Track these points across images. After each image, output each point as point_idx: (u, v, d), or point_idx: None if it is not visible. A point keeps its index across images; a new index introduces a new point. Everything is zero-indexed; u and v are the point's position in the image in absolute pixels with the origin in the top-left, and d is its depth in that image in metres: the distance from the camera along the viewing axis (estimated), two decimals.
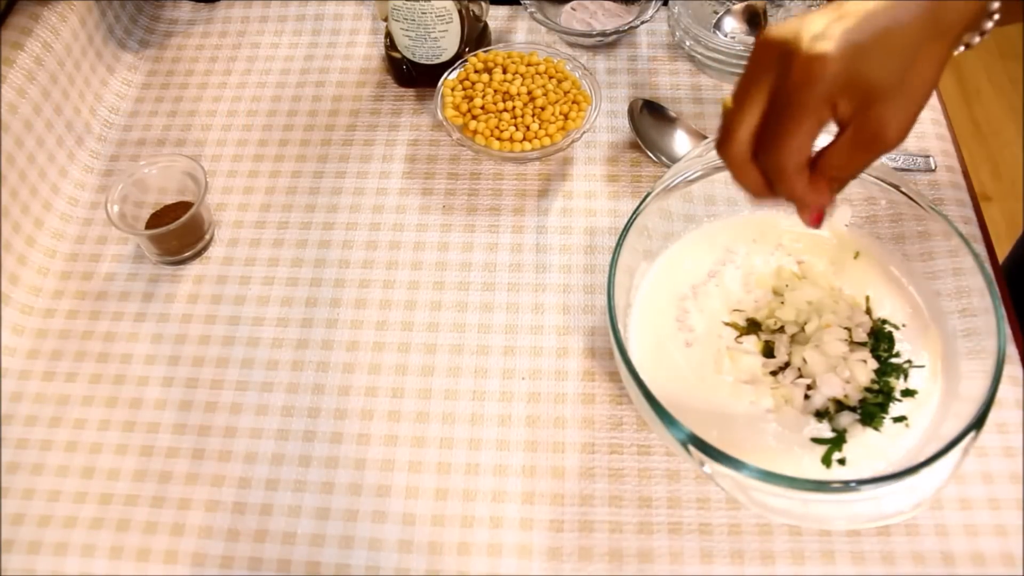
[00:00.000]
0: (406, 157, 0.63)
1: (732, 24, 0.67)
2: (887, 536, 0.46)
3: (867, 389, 0.47)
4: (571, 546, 0.47)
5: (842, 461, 0.45)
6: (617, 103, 0.65)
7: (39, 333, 0.56)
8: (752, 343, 0.50)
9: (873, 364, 0.47)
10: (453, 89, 0.60)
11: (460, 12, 0.61)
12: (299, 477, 0.50)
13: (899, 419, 0.46)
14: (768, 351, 0.49)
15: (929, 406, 0.47)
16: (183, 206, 0.58)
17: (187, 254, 0.58)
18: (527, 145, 0.58)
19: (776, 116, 0.36)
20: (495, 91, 0.60)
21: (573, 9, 0.70)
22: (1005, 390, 0.50)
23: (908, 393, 0.47)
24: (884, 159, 0.52)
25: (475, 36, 0.65)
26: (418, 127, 0.65)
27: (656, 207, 0.52)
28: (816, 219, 0.40)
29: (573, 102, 0.60)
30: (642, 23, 0.67)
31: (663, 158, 0.61)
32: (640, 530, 0.47)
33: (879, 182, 0.51)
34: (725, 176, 0.53)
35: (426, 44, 0.63)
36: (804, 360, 0.47)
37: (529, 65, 0.61)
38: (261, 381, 0.53)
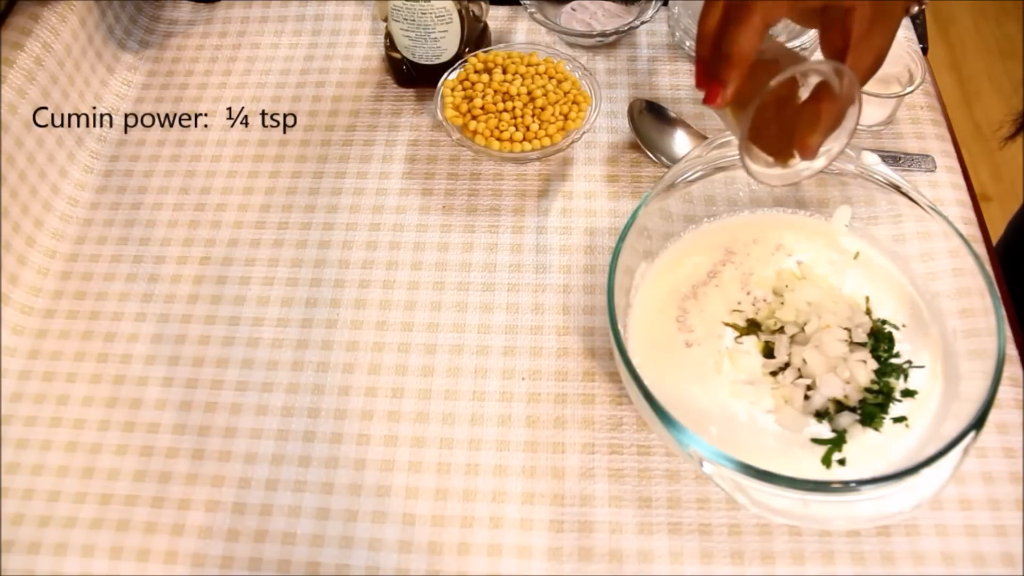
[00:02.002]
0: (406, 157, 0.63)
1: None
2: (887, 536, 0.46)
3: (867, 389, 0.47)
4: (571, 546, 0.47)
5: (842, 461, 0.45)
6: (617, 103, 0.65)
7: (39, 333, 0.56)
8: (752, 343, 0.50)
9: (873, 364, 0.47)
10: (453, 89, 0.60)
11: (460, 12, 0.61)
12: (299, 477, 0.50)
13: (899, 419, 0.46)
14: (768, 351, 0.49)
15: (929, 406, 0.47)
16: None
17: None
18: (527, 145, 0.58)
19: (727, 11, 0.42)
20: (495, 91, 0.60)
21: (573, 9, 0.70)
22: (1005, 391, 0.50)
23: (908, 393, 0.47)
24: (884, 160, 0.52)
25: (475, 36, 0.65)
26: (418, 127, 0.65)
27: (656, 207, 0.52)
28: (713, 97, 0.43)
29: (573, 102, 0.60)
30: (642, 23, 0.67)
31: (663, 158, 0.61)
32: (640, 530, 0.47)
33: (879, 182, 0.51)
34: (725, 176, 0.54)
35: (426, 44, 0.63)
36: (804, 360, 0.47)
37: (529, 65, 0.61)
38: (261, 381, 0.53)
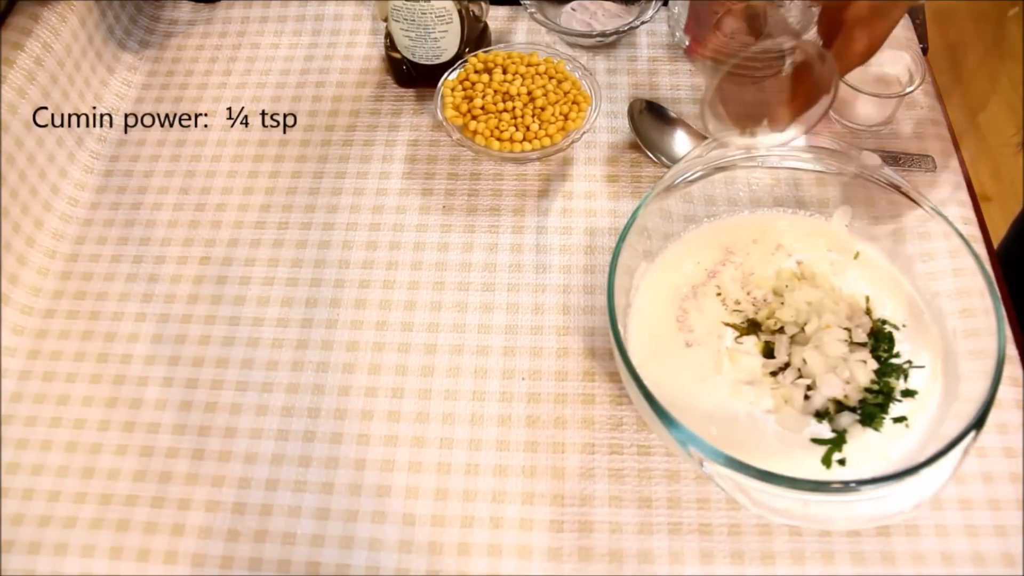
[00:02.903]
0: (406, 157, 0.63)
1: (732, 25, 0.67)
2: (887, 536, 0.46)
3: (867, 389, 0.47)
4: (571, 546, 0.47)
5: (842, 462, 0.45)
6: (617, 103, 0.65)
7: (39, 333, 0.56)
8: (752, 343, 0.50)
9: (873, 364, 0.47)
10: (453, 89, 0.60)
11: (460, 12, 0.61)
12: (299, 477, 0.50)
13: (899, 419, 0.46)
14: (768, 352, 0.49)
15: (929, 406, 0.47)
16: None
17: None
18: (527, 145, 0.58)
19: None
20: (495, 91, 0.60)
21: (573, 10, 0.70)
22: (1005, 391, 0.50)
23: (908, 393, 0.47)
24: (884, 160, 0.52)
25: (475, 36, 0.65)
26: (418, 127, 0.65)
27: (656, 207, 0.52)
28: (693, 47, 0.43)
29: (573, 102, 0.60)
30: (642, 23, 0.67)
31: (663, 158, 0.61)
32: (640, 530, 0.47)
33: (879, 182, 0.51)
34: (725, 176, 0.54)
35: (426, 44, 0.63)
36: (804, 361, 0.47)
37: (529, 65, 0.61)
38: (261, 381, 0.53)
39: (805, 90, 0.42)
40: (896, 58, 0.62)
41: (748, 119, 0.45)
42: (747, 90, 0.44)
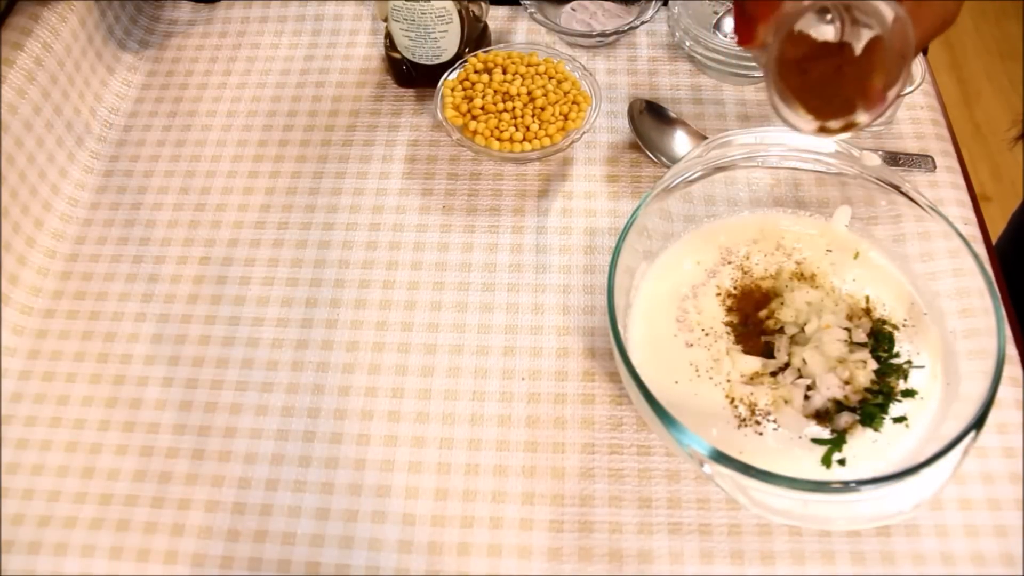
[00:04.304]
0: (406, 157, 0.63)
1: (732, 24, 0.67)
2: (887, 536, 0.46)
3: (867, 390, 0.47)
4: (571, 547, 0.47)
5: (842, 462, 0.45)
6: (617, 103, 0.65)
7: (39, 333, 0.56)
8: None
9: (873, 365, 0.47)
10: (453, 89, 0.60)
11: (460, 12, 0.61)
12: (299, 477, 0.50)
13: (899, 420, 0.46)
14: (768, 352, 0.49)
15: (929, 407, 0.47)
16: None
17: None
18: (527, 145, 0.58)
19: None
20: (495, 91, 0.60)
21: (573, 10, 0.70)
22: (1005, 391, 0.50)
23: (908, 394, 0.47)
24: (884, 160, 0.52)
25: (475, 36, 0.65)
26: (418, 127, 0.65)
27: (656, 207, 0.52)
28: (746, 35, 0.40)
29: (573, 102, 0.60)
30: (642, 23, 0.67)
31: (663, 158, 0.61)
32: (640, 530, 0.47)
33: (879, 182, 0.51)
34: (725, 176, 0.54)
35: (426, 44, 0.63)
36: (804, 361, 0.47)
37: (529, 65, 0.61)
38: (261, 381, 0.53)
39: (875, 66, 0.37)
40: None
41: (815, 99, 0.40)
42: (812, 65, 0.39)
